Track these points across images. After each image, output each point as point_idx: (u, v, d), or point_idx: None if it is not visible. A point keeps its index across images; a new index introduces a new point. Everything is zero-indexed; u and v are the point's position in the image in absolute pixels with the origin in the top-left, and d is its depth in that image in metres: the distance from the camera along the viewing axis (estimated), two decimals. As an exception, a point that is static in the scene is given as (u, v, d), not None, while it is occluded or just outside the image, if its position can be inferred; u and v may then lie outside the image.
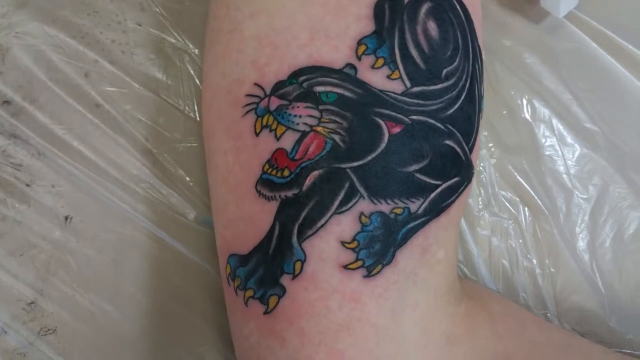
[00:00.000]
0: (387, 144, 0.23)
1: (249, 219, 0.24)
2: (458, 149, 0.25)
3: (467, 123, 0.26)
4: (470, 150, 0.26)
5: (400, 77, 0.24)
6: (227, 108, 0.25)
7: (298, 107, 0.24)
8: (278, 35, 0.25)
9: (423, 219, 0.24)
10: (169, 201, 0.29)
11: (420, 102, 0.24)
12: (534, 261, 0.35)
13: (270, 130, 0.24)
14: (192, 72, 0.31)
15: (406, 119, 0.24)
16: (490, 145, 0.36)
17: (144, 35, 0.30)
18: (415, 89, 0.24)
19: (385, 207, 0.23)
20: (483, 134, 0.36)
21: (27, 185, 0.28)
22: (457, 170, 0.25)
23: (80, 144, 0.28)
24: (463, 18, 0.27)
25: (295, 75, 0.24)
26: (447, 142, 0.25)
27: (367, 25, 0.24)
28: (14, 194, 0.28)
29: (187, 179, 0.29)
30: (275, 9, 0.25)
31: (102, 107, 0.29)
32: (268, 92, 0.24)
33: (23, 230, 0.27)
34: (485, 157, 0.36)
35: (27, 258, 0.27)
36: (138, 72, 0.29)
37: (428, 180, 0.24)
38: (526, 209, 0.36)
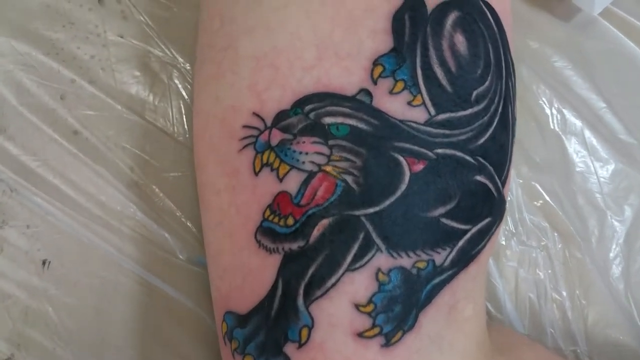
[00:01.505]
0: (408, 185, 0.20)
1: (247, 272, 0.21)
2: (490, 185, 0.22)
3: (500, 153, 0.22)
4: (503, 183, 0.23)
5: (423, 103, 0.21)
6: (221, 140, 0.22)
7: (304, 142, 0.20)
8: (279, 55, 0.21)
9: (450, 272, 0.21)
10: (157, 240, 0.25)
11: (447, 131, 0.21)
12: (564, 293, 0.31)
13: (272, 170, 0.20)
14: (181, 89, 0.27)
15: (430, 153, 0.20)
16: (517, 163, 0.33)
17: (127, 48, 0.26)
18: (441, 116, 0.21)
19: (406, 261, 0.20)
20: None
21: (-1, 226, 0.24)
22: (489, 210, 0.22)
23: (57, 178, 0.25)
24: (495, 28, 0.23)
25: (301, 103, 0.21)
26: (478, 177, 0.21)
27: (384, 42, 0.21)
28: (-17, 238, 0.24)
29: (178, 213, 0.26)
30: (275, 23, 0.21)
31: (80, 134, 0.25)
32: (269, 124, 0.21)
33: (-5, 277, 0.24)
34: (512, 176, 0.32)
35: (2, 309, 0.24)
36: (121, 92, 0.26)
37: (456, 225, 0.21)
38: (556, 234, 0.32)
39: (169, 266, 0.25)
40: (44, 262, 0.25)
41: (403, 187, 0.20)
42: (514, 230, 0.31)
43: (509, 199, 0.32)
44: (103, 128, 0.25)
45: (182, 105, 0.27)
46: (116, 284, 0.25)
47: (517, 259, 0.31)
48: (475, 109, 0.22)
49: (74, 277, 0.24)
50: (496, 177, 0.22)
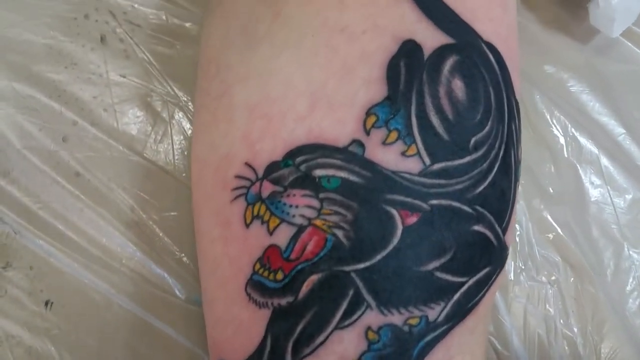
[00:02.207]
0: (400, 239, 0.19)
1: (238, 325, 0.21)
2: (489, 234, 0.21)
3: (500, 200, 0.22)
4: (504, 230, 0.22)
5: (418, 152, 0.20)
6: (215, 189, 0.22)
7: (294, 195, 0.20)
8: (272, 105, 0.21)
9: (444, 327, 0.20)
10: (156, 279, 0.26)
11: (443, 181, 0.20)
12: (575, 329, 0.30)
13: (262, 222, 0.20)
14: (184, 127, 0.27)
15: (424, 205, 0.20)
16: (528, 195, 0.32)
17: (129, 87, 0.26)
18: (437, 166, 0.20)
19: (397, 317, 0.19)
20: (522, 184, 0.32)
21: (3, 268, 0.25)
22: (488, 260, 0.21)
23: (58, 220, 0.25)
24: (497, 70, 0.22)
25: (292, 155, 0.20)
26: (476, 227, 0.21)
27: (378, 90, 0.20)
28: (-11, 280, 0.25)
29: (177, 252, 0.26)
30: (269, 72, 0.21)
31: (82, 176, 0.26)
32: (260, 175, 0.21)
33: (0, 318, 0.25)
34: (522, 209, 0.31)
35: (6, 349, 0.25)
36: (122, 132, 0.26)
37: (451, 278, 0.20)
38: (568, 268, 0.31)
39: (168, 306, 0.26)
40: (46, 303, 0.25)
41: (395, 241, 0.19)
42: (522, 267, 0.30)
43: (517, 232, 0.31)
44: (104, 169, 0.26)
45: (183, 143, 0.27)
46: (117, 324, 0.25)
47: (526, 295, 0.30)
48: (474, 156, 0.21)
49: (75, 318, 0.25)
50: (496, 225, 0.22)
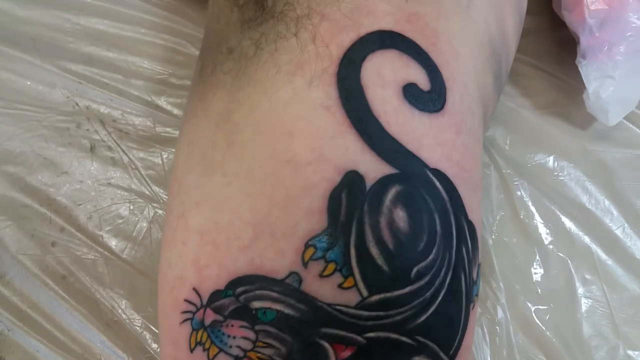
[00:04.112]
0: (333, 374, 0.20)
1: None
2: (432, 363, 0.21)
3: (446, 327, 0.21)
4: (454, 355, 0.22)
5: (356, 285, 0.20)
6: (170, 307, 0.23)
7: (232, 325, 0.21)
8: (220, 232, 0.22)
9: None
10: (132, 378, 0.28)
11: (381, 313, 0.20)
12: None
13: (204, 349, 0.21)
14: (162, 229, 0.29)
15: (360, 338, 0.20)
16: (511, 294, 0.31)
17: (114, 193, 0.29)
18: (375, 297, 0.20)
19: None
20: (507, 282, 0.31)
21: (-4, 363, 0.28)
22: (431, 390, 0.21)
23: (46, 319, 0.28)
24: (445, 196, 0.22)
25: (233, 285, 0.21)
26: (416, 358, 0.21)
27: (319, 221, 0.21)
28: (-17, 373, 0.28)
29: (151, 351, 0.28)
30: (220, 200, 0.22)
31: (67, 279, 0.28)
32: (205, 301, 0.22)
33: (-9, 409, 0.28)
34: (504, 310, 0.30)
35: None
36: (106, 237, 0.28)
37: (386, 415, 0.20)
38: (554, 371, 0.30)
39: (142, 403, 0.27)
40: (33, 397, 0.28)
41: (327, 376, 0.20)
42: (500, 371, 0.29)
43: (497, 338, 0.30)
44: (88, 271, 0.28)
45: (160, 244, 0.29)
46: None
47: (505, 401, 0.29)
48: (416, 285, 0.21)
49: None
50: (441, 353, 0.21)
